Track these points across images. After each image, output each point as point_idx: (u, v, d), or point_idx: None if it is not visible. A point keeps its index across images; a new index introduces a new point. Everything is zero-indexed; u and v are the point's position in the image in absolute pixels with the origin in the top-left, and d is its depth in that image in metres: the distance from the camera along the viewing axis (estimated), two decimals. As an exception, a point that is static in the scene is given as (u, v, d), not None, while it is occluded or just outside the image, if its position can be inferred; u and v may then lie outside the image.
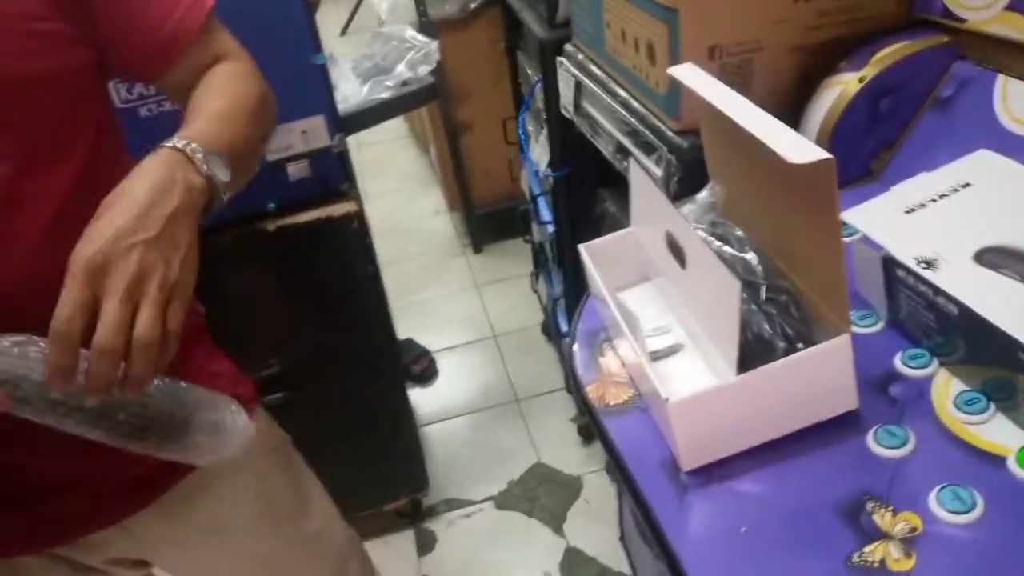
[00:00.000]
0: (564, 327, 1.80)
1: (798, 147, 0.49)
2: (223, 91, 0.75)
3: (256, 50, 1.07)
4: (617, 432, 0.65)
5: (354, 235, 1.32)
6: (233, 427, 0.70)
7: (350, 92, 1.35)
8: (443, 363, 2.21)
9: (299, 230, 1.29)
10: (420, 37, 1.42)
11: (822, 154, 0.48)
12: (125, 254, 0.56)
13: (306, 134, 1.23)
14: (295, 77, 1.20)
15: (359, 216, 1.32)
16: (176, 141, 0.64)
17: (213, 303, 1.16)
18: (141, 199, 0.59)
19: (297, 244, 1.31)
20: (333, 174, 1.29)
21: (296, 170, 1.26)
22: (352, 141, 1.51)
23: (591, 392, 0.70)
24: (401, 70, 1.33)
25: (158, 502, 0.81)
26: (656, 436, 0.63)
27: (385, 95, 1.35)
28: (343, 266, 1.38)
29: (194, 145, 0.64)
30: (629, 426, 0.65)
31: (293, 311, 1.41)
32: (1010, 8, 0.74)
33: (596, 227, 1.48)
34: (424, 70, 1.36)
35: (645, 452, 0.62)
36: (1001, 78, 0.76)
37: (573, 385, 0.73)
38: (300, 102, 1.22)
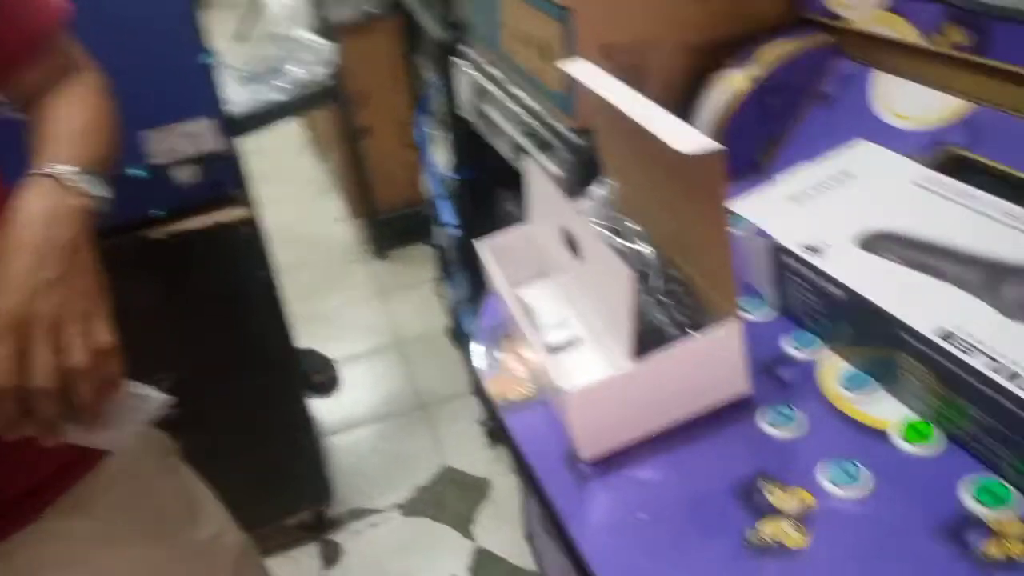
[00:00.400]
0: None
1: (688, 138, 0.50)
2: (84, 104, 0.73)
3: (140, 50, 1.02)
4: (517, 427, 0.64)
5: (246, 241, 1.28)
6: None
7: (241, 94, 1.31)
8: (347, 372, 2.15)
9: (188, 237, 1.24)
10: (316, 39, 1.39)
11: (711, 144, 0.49)
12: (42, 299, 0.57)
13: (194, 137, 1.18)
14: (181, 78, 1.16)
15: (251, 222, 1.27)
16: (49, 167, 0.63)
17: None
18: (37, 239, 0.59)
19: (186, 252, 1.26)
20: (223, 179, 1.24)
21: (184, 174, 1.21)
22: (249, 148, 1.46)
23: (492, 388, 0.70)
24: (296, 72, 1.30)
25: (42, 517, 0.77)
26: (556, 429, 0.62)
27: (279, 97, 1.31)
28: (236, 274, 1.33)
29: (68, 169, 0.63)
30: (530, 420, 0.65)
31: (183, 322, 1.34)
32: (885, 7, 0.77)
33: (499, 228, 1.47)
34: (320, 72, 1.33)
35: (546, 445, 0.62)
36: (878, 73, 0.79)
37: (474, 382, 0.72)
38: (187, 104, 1.17)
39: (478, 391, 0.70)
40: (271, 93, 1.33)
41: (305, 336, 2.13)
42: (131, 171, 1.17)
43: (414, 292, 2.44)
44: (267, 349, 1.45)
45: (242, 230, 1.28)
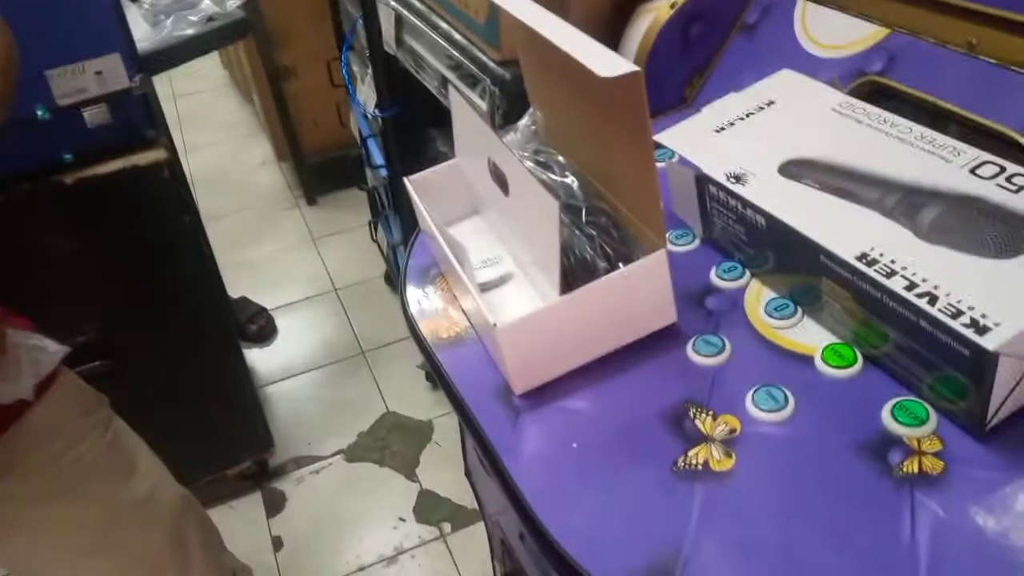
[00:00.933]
0: (404, 273, 1.77)
1: (608, 62, 0.49)
2: None
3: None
4: (450, 363, 0.64)
5: (166, 185, 1.23)
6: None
7: (151, 30, 1.24)
8: (282, 321, 2.13)
9: (102, 182, 1.18)
10: (225, -30, 1.32)
11: (630, 67, 0.48)
12: None
13: (101, 75, 1.12)
14: (84, 12, 1.09)
15: (170, 164, 1.22)
16: None
17: (6, 267, 1.05)
18: None
19: (101, 197, 1.20)
20: (136, 119, 1.18)
21: (93, 116, 1.15)
22: (167, 92, 1.40)
23: (424, 328, 0.69)
24: (207, 5, 1.23)
25: None
26: (489, 365, 0.62)
27: (190, 31, 1.25)
28: (157, 220, 1.28)
29: None
30: (462, 356, 0.65)
31: (105, 271, 1.29)
32: (805, -66, 0.77)
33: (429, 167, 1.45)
34: (232, 4, 1.27)
35: (478, 380, 0.62)
36: (800, 3, 0.79)
37: (406, 322, 0.71)
38: (92, 40, 1.11)
39: (412, 331, 0.69)
40: (182, 28, 1.26)
41: (237, 285, 2.09)
42: (36, 113, 1.11)
43: (347, 237, 2.40)
44: (196, 297, 1.41)
45: (161, 173, 1.23)
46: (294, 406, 1.88)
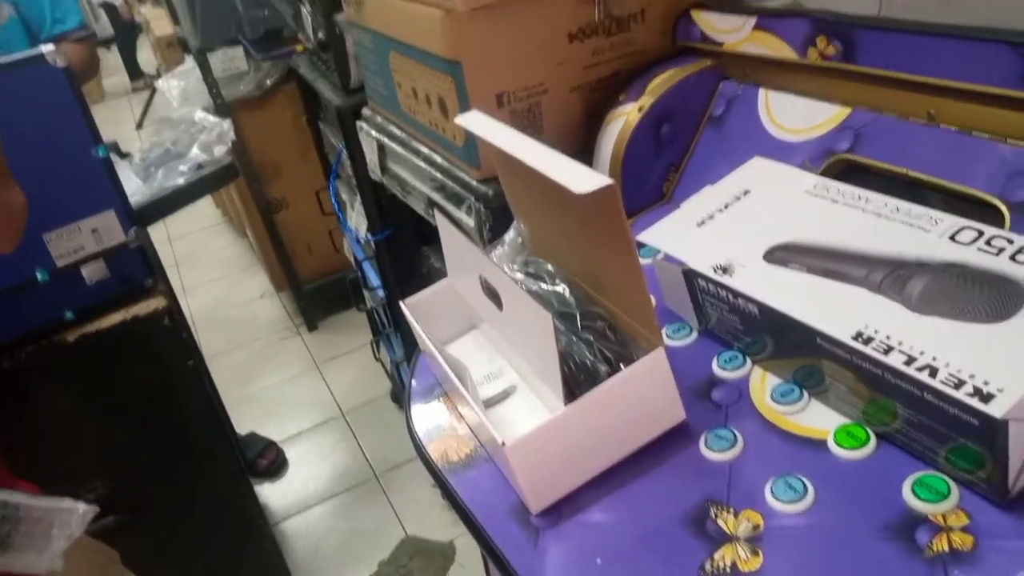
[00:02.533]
0: (410, 390, 1.76)
1: (582, 177, 0.50)
2: None
3: (32, 153, 1.00)
4: (463, 487, 0.63)
5: (167, 332, 1.24)
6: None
7: (143, 183, 1.28)
8: (292, 452, 2.10)
9: (104, 336, 1.19)
10: (211, 118, 1.37)
11: (604, 180, 0.49)
12: None
13: (97, 233, 1.15)
14: (78, 174, 1.13)
15: (170, 311, 1.23)
16: None
17: (13, 430, 1.05)
18: None
19: (104, 351, 1.21)
20: (134, 271, 1.20)
21: (92, 272, 1.18)
22: (161, 235, 1.44)
23: (433, 451, 0.68)
24: (195, 153, 1.28)
25: None
26: (502, 484, 0.61)
27: (180, 181, 1.29)
28: (160, 367, 1.28)
29: None
30: (474, 479, 0.64)
31: (111, 424, 1.29)
32: (757, 28, 0.81)
33: (426, 285, 1.47)
34: (220, 150, 1.32)
35: (494, 503, 0.61)
36: (762, 91, 0.82)
37: (415, 448, 0.70)
38: (87, 199, 1.14)
39: (421, 457, 0.69)
40: (173, 178, 1.30)
41: (244, 420, 2.08)
42: (36, 275, 1.13)
43: (350, 359, 2.41)
44: (204, 441, 1.40)
45: (161, 320, 1.24)
46: (312, 541, 1.83)
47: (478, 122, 0.66)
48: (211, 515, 1.44)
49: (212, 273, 3.07)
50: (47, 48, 1.02)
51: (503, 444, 0.55)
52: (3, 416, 1.10)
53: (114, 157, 1.19)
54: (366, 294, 1.87)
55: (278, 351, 2.55)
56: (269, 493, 1.98)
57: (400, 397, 2.09)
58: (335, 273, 2.44)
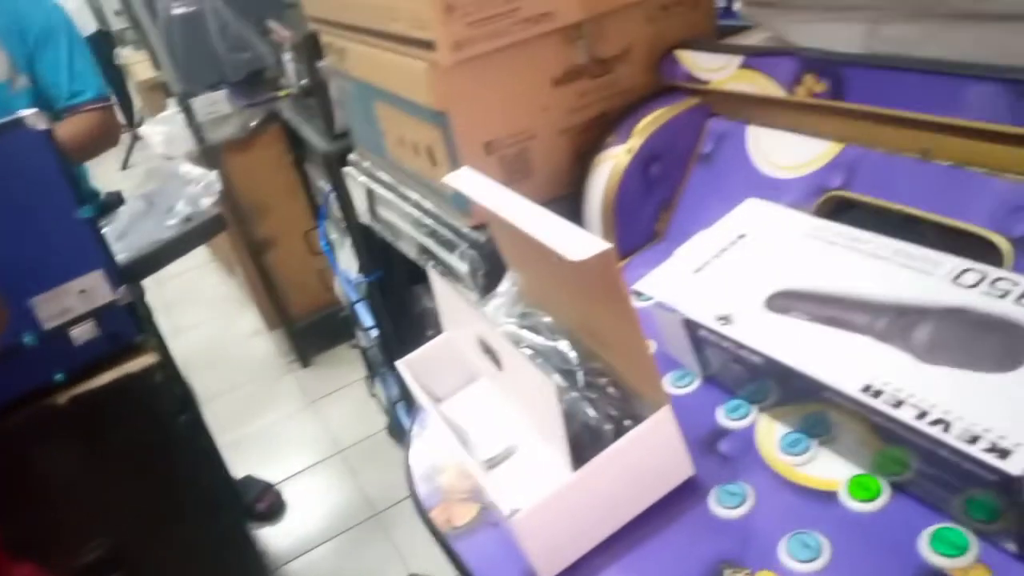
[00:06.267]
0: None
1: (576, 242, 0.49)
2: None
3: (17, 216, 1.00)
4: (469, 555, 0.62)
5: (159, 388, 1.22)
6: None
7: (130, 240, 1.27)
8: (290, 493, 2.08)
9: (95, 396, 1.18)
10: (196, 170, 1.36)
11: (600, 245, 0.48)
12: None
13: (85, 293, 1.13)
14: (63, 236, 1.11)
15: (162, 366, 1.22)
16: None
17: (11, 495, 1.03)
18: None
19: (96, 411, 1.20)
20: (123, 328, 1.19)
21: (81, 333, 1.16)
22: (151, 279, 1.42)
23: (436, 517, 0.67)
24: (181, 207, 1.27)
25: None
26: (510, 551, 0.60)
27: (168, 235, 1.28)
28: (154, 423, 1.27)
29: None
30: (481, 545, 0.62)
31: (108, 482, 1.27)
32: (743, 66, 0.80)
33: (419, 325, 1.46)
34: (207, 202, 1.31)
35: (502, 569, 0.59)
36: (751, 128, 0.82)
37: (420, 516, 0.69)
38: (73, 261, 1.13)
39: (426, 523, 0.67)
40: (161, 233, 1.29)
41: (241, 463, 2.06)
42: (25, 340, 1.11)
43: (345, 395, 2.39)
44: (201, 492, 1.38)
45: (153, 376, 1.23)
46: (315, 584, 1.81)
47: (468, 181, 0.65)
48: (212, 565, 1.42)
49: (204, 313, 3.05)
50: (28, 112, 1.01)
51: (511, 517, 0.54)
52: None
53: (99, 216, 1.17)
54: (359, 334, 1.85)
55: (273, 390, 2.52)
56: (269, 537, 1.95)
57: (396, 432, 2.07)
58: (327, 308, 2.42)
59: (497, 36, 0.80)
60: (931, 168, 0.68)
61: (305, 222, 2.08)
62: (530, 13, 0.80)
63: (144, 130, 2.09)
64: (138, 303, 1.22)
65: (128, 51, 3.53)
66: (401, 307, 1.47)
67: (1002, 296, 0.54)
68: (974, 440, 0.46)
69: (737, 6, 0.83)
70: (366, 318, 1.66)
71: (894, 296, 0.57)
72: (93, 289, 1.14)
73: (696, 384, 0.69)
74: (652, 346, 0.74)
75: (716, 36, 0.97)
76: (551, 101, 0.88)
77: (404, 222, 1.11)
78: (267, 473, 2.10)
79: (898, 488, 0.54)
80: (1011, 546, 0.48)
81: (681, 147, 0.86)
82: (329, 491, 2.07)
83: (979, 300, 0.54)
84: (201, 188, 1.32)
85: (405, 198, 1.07)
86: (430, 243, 1.04)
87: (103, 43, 3.80)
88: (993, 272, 0.56)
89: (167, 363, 1.25)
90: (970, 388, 0.49)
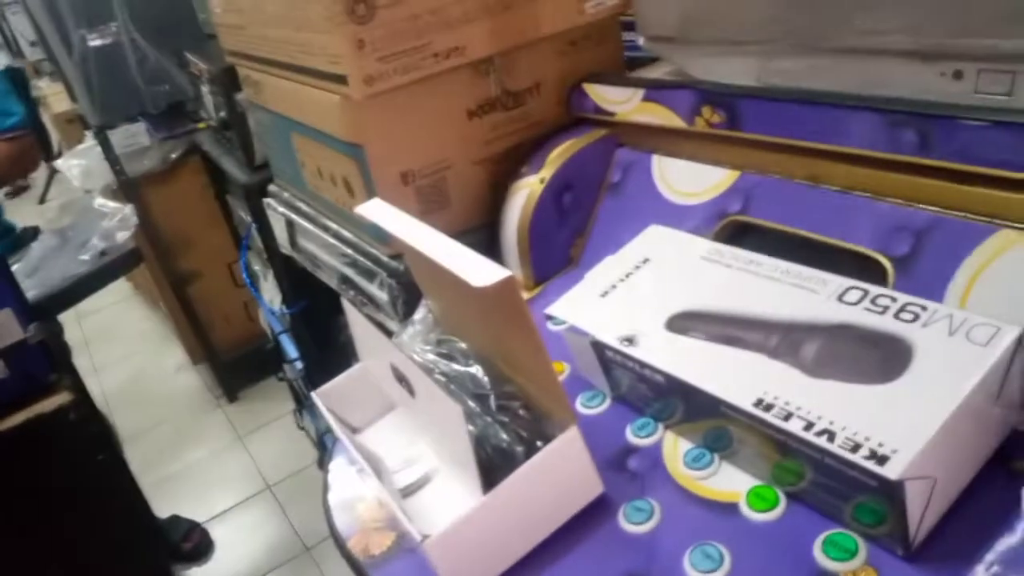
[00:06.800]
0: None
1: (480, 270, 0.51)
2: None
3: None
4: (386, 583, 0.62)
5: (74, 428, 1.18)
6: None
7: (43, 275, 1.23)
8: (218, 532, 2.02)
9: (6, 438, 1.13)
10: (111, 204, 1.34)
11: (501, 273, 0.50)
12: None
13: (-7, 332, 1.10)
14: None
15: (77, 406, 1.18)
16: None
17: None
18: None
19: (7, 453, 1.15)
20: (35, 367, 1.15)
21: (-11, 374, 1.12)
22: (69, 314, 1.38)
23: (354, 546, 0.67)
24: (95, 242, 1.24)
25: None
26: (427, 575, 0.61)
27: (83, 270, 1.25)
28: (69, 464, 1.22)
29: None
30: (398, 572, 0.63)
31: (23, 527, 1.22)
32: (646, 99, 0.84)
33: (344, 354, 1.45)
34: (123, 236, 1.28)
35: (418, 595, 0.60)
36: (655, 157, 0.85)
37: (335, 542, 0.69)
38: (-21, 299, 1.09)
39: (343, 553, 0.67)
40: (75, 268, 1.26)
41: (166, 502, 2.00)
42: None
43: (274, 429, 2.35)
44: (123, 533, 1.33)
45: (67, 416, 1.19)
46: (245, 624, 1.76)
47: (379, 211, 0.66)
48: (134, 611, 1.37)
49: (126, 349, 2.97)
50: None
51: (423, 541, 0.54)
52: None
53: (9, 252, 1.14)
54: (285, 366, 1.83)
55: (199, 426, 2.46)
56: (197, 578, 1.90)
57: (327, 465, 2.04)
58: (253, 341, 2.39)
59: (409, 70, 0.82)
60: (820, 193, 0.72)
61: (229, 254, 2.05)
62: (440, 48, 0.82)
63: (60, 163, 2.04)
64: (52, 341, 1.19)
65: (44, 83, 3.43)
66: (326, 338, 1.46)
67: (882, 312, 0.58)
68: (856, 448, 0.49)
69: (641, 40, 0.86)
70: (291, 350, 1.64)
71: (785, 315, 0.60)
72: (2, 327, 1.11)
73: (607, 404, 0.71)
74: (567, 369, 0.76)
75: (624, 69, 1.00)
76: (466, 132, 0.90)
77: (325, 252, 1.11)
78: (194, 512, 2.05)
79: (794, 498, 0.57)
80: (897, 548, 0.51)
81: (591, 176, 0.88)
82: (258, 528, 2.03)
83: (861, 316, 0.58)
84: (117, 222, 1.30)
85: (325, 228, 1.07)
86: (350, 272, 1.04)
87: (16, 78, 3.69)
88: (874, 290, 0.60)
89: (83, 402, 1.21)
90: (853, 400, 0.53)
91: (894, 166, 0.66)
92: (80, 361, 1.61)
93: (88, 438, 1.23)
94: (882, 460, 0.48)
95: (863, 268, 0.66)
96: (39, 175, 4.55)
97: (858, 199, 0.69)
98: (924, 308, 0.56)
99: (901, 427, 0.49)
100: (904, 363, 0.54)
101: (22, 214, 2.24)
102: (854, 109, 0.68)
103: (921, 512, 0.50)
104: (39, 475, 1.20)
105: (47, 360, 1.17)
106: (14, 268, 1.11)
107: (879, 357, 0.55)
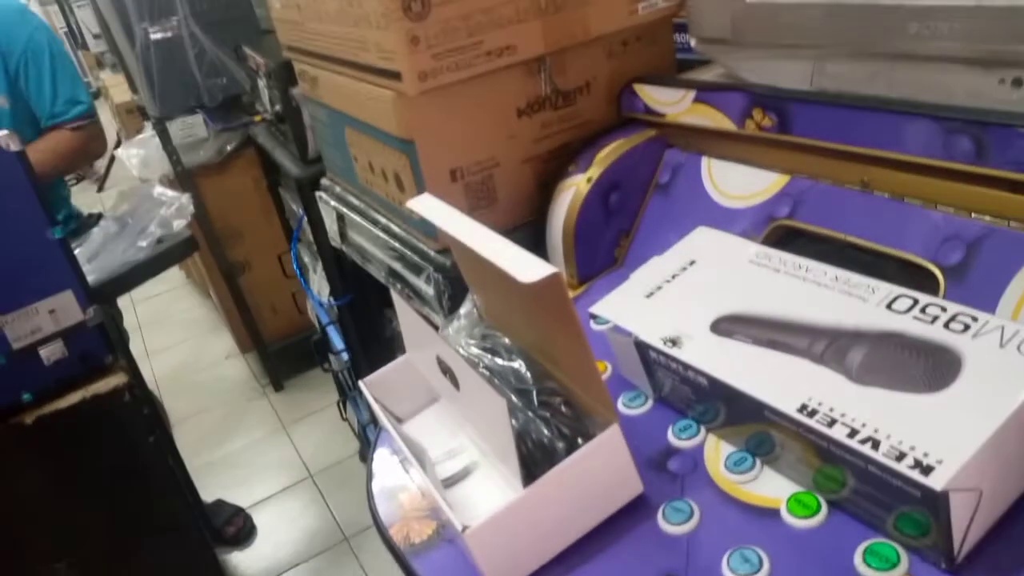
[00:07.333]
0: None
1: (527, 266, 0.52)
2: None
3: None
4: (426, 571, 0.63)
5: (127, 409, 1.22)
6: None
7: (102, 260, 1.28)
8: (260, 518, 2.07)
9: (63, 416, 1.18)
10: (169, 192, 1.38)
11: (548, 269, 0.51)
12: None
13: (55, 313, 1.14)
14: (33, 257, 1.12)
15: (131, 388, 1.22)
16: None
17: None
18: None
19: (64, 431, 1.20)
20: (93, 348, 1.19)
21: (50, 353, 1.16)
22: (125, 299, 1.43)
23: (395, 534, 0.68)
24: (153, 229, 1.28)
25: None
26: (466, 566, 0.62)
27: (140, 256, 1.29)
28: (122, 444, 1.27)
29: None
30: (438, 561, 0.64)
31: (74, 503, 1.27)
32: (697, 100, 0.84)
33: (389, 348, 1.48)
34: (179, 224, 1.32)
35: (457, 585, 0.61)
36: (705, 159, 0.85)
37: (377, 529, 0.70)
38: (43, 281, 1.13)
39: (384, 541, 0.69)
40: (133, 254, 1.30)
41: (211, 486, 2.05)
42: (-7, 359, 1.12)
43: (318, 419, 2.39)
44: (168, 514, 1.38)
45: (122, 397, 1.23)
46: (284, 609, 1.80)
47: (429, 206, 0.67)
48: (179, 589, 1.41)
49: (177, 336, 3.04)
50: (0, 133, 1.02)
51: (463, 531, 0.55)
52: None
53: (70, 237, 1.18)
54: (331, 357, 1.86)
55: (245, 413, 2.52)
56: (238, 561, 1.94)
57: (367, 457, 2.07)
58: (301, 332, 2.43)
59: (461, 68, 0.83)
60: (871, 199, 0.71)
61: (279, 245, 2.09)
62: (493, 46, 0.83)
63: (120, 152, 2.10)
64: (110, 324, 1.23)
65: (106, 74, 3.54)
66: (372, 330, 1.48)
67: (931, 321, 0.57)
68: (901, 457, 0.49)
69: (693, 42, 0.86)
70: (337, 341, 1.67)
71: (831, 321, 0.60)
72: (63, 309, 1.15)
73: (649, 405, 0.71)
74: (608, 368, 0.77)
75: (675, 70, 1.00)
76: (516, 130, 0.91)
77: (373, 246, 1.13)
78: (237, 497, 2.09)
79: (835, 505, 0.57)
80: (940, 562, 0.50)
81: (639, 177, 0.89)
82: (299, 516, 2.06)
83: (910, 324, 0.57)
84: (174, 210, 1.34)
85: (374, 222, 1.09)
86: (398, 266, 1.06)
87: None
88: (924, 298, 0.59)
89: (137, 384, 1.26)
90: (899, 409, 0.52)
91: (948, 174, 0.65)
92: (133, 346, 1.66)
93: (141, 419, 1.27)
94: (927, 470, 0.47)
95: (913, 277, 0.65)
96: (99, 163, 4.68)
97: (910, 207, 0.68)
98: (975, 319, 0.56)
99: (947, 438, 0.49)
100: (953, 373, 0.53)
101: (82, 200, 2.32)
102: (908, 115, 0.67)
103: (966, 525, 0.49)
104: (93, 452, 1.24)
105: (105, 342, 1.21)
106: (76, 252, 1.15)
107: (927, 366, 0.54)
